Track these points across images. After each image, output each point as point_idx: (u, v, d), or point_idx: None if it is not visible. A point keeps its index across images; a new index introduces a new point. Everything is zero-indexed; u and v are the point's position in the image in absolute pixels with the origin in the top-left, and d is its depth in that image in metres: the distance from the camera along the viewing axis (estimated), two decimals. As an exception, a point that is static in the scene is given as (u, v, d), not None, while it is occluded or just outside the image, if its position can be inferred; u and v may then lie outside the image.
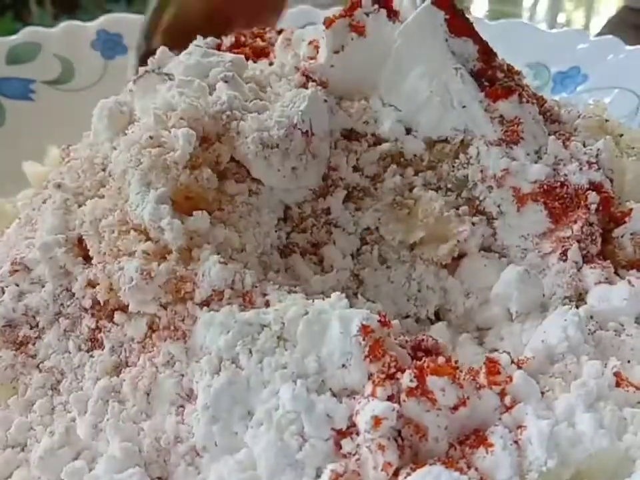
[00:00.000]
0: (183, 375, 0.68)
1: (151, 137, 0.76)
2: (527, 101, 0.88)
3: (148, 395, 0.68)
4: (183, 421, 0.66)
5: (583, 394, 0.65)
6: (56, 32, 1.48)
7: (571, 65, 1.38)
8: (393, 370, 0.63)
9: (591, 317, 0.74)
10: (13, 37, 1.45)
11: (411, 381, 0.61)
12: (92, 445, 0.68)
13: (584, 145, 0.88)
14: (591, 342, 0.71)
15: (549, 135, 0.88)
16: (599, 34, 1.52)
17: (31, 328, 0.75)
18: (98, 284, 0.72)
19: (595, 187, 0.85)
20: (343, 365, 0.64)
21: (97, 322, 0.72)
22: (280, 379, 0.64)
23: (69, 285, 0.74)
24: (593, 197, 0.83)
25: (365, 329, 0.64)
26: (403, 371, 0.63)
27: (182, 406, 0.67)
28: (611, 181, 0.88)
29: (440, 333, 0.78)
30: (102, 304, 0.73)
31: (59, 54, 1.46)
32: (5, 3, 2.23)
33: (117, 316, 0.71)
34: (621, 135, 0.96)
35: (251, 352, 0.65)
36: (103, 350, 0.72)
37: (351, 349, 0.64)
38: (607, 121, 0.97)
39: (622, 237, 0.83)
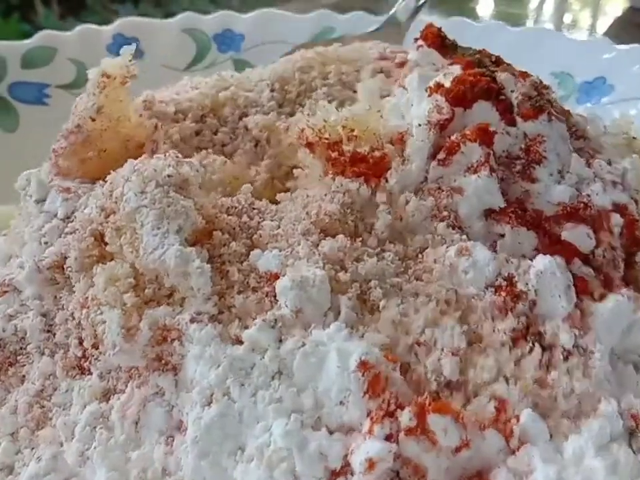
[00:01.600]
0: (172, 406, 0.65)
1: (169, 176, 0.72)
2: (556, 119, 0.83)
3: (136, 423, 0.65)
4: (172, 452, 0.63)
5: (595, 436, 0.61)
6: (72, 36, 1.47)
7: (597, 75, 1.33)
8: (392, 407, 0.59)
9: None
10: (28, 41, 1.44)
11: (410, 419, 0.58)
12: (79, 472, 0.66)
13: (609, 164, 0.84)
14: (608, 377, 0.67)
15: (573, 152, 0.84)
16: (605, 34, 1.47)
17: (21, 349, 0.73)
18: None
19: (619, 208, 0.81)
20: (341, 402, 0.61)
21: (84, 351, 0.70)
22: (274, 414, 0.60)
23: (56, 310, 0.72)
24: (616, 219, 0.78)
25: (364, 365, 0.61)
26: (402, 408, 0.60)
27: (171, 436, 0.64)
28: (637, 202, 0.84)
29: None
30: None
31: (74, 58, 1.45)
32: (11, 3, 2.23)
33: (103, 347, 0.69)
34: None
35: (243, 385, 0.62)
36: (91, 376, 0.69)
37: (349, 385, 0.60)
38: (634, 138, 0.93)
39: (647, 261, 0.78)
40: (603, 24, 2.16)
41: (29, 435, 0.70)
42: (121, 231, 0.70)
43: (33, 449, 0.69)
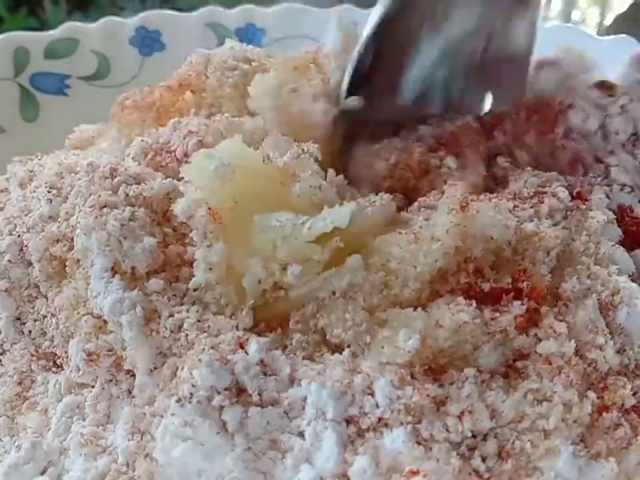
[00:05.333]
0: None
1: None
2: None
3: (108, 416, 0.68)
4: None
5: None
6: (95, 28, 1.48)
7: (618, 74, 1.30)
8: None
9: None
10: (52, 32, 1.45)
11: None
12: (59, 460, 0.67)
13: None
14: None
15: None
16: (608, 31, 1.45)
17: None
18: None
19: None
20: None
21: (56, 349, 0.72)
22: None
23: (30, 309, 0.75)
24: None
25: None
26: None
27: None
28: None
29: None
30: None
31: (96, 50, 1.46)
32: (19, -2, 2.25)
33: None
34: None
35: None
36: (65, 370, 0.71)
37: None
38: None
39: None
40: (610, 20, 2.14)
41: (9, 423, 0.71)
42: (79, 263, 0.71)
43: (13, 436, 0.70)
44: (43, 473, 0.67)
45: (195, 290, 0.69)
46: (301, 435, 0.63)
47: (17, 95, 1.39)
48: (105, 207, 0.72)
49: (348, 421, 0.62)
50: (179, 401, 0.62)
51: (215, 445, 0.61)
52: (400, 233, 0.71)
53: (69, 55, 1.44)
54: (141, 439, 0.65)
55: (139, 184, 0.75)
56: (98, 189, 0.74)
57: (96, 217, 0.70)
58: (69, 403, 0.69)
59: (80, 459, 0.65)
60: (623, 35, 1.35)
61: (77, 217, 0.73)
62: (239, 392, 0.63)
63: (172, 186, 0.75)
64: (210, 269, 0.68)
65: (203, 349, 0.64)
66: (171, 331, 0.67)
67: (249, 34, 1.56)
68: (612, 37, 1.38)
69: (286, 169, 0.73)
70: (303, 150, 0.75)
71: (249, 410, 0.62)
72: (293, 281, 0.67)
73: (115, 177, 0.75)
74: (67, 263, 0.74)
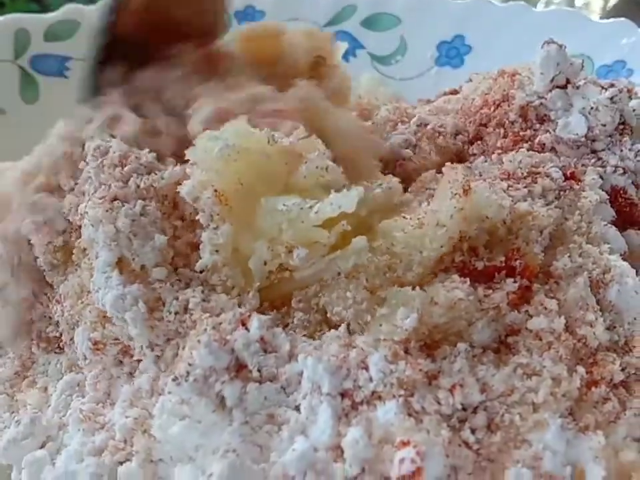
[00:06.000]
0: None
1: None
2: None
3: (108, 394, 0.69)
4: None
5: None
6: (95, 9, 1.48)
7: (616, 58, 1.31)
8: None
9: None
10: (53, 14, 1.46)
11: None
12: (58, 435, 0.69)
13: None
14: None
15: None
16: (609, 14, 1.45)
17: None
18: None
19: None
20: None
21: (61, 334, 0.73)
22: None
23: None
24: None
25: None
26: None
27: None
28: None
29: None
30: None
31: (97, 32, 1.46)
32: (20, -18, 2.23)
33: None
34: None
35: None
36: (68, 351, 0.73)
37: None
38: None
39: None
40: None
41: (9, 401, 0.73)
42: (85, 252, 0.72)
43: (12, 413, 0.72)
44: (41, 447, 0.69)
45: (201, 272, 0.70)
46: (297, 408, 0.64)
47: (17, 77, 1.39)
48: (116, 199, 0.72)
49: (343, 395, 0.64)
50: (175, 379, 0.63)
51: (211, 422, 0.63)
52: (404, 217, 0.72)
53: (70, 37, 1.44)
54: (139, 416, 0.67)
55: (149, 173, 0.75)
56: (108, 177, 0.74)
57: (106, 210, 0.70)
58: (69, 380, 0.71)
59: (78, 434, 0.67)
60: (622, 19, 1.35)
61: (86, 206, 0.73)
62: (238, 368, 0.64)
63: (181, 173, 0.75)
64: (216, 250, 0.69)
65: (205, 329, 0.65)
66: (176, 313, 0.68)
67: (247, 17, 1.56)
68: (611, 20, 1.38)
69: (292, 149, 0.73)
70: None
71: (247, 386, 0.63)
72: (298, 264, 0.68)
73: (126, 166, 0.75)
74: (73, 251, 0.75)
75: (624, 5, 2.13)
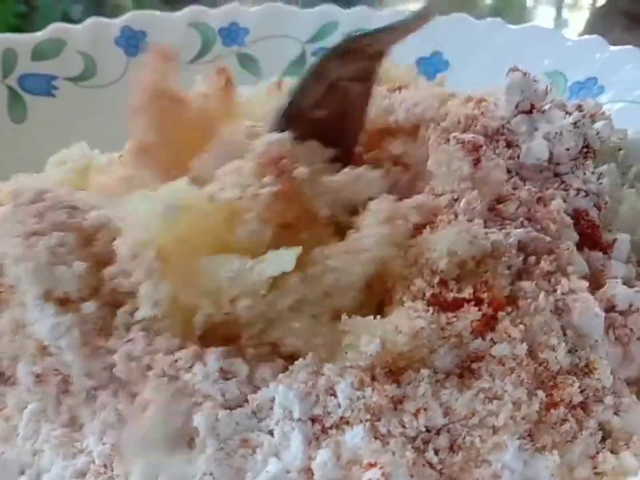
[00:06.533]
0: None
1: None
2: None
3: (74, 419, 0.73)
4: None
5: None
6: (81, 28, 1.51)
7: (589, 75, 1.34)
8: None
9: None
10: (40, 33, 1.48)
11: None
12: (33, 462, 0.72)
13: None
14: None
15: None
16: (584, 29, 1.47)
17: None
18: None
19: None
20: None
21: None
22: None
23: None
24: None
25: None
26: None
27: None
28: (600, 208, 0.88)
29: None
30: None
31: (83, 50, 1.49)
32: (8, -17, 2.21)
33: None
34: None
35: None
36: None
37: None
38: (619, 150, 0.96)
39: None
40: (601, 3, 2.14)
41: None
42: (13, 289, 0.75)
43: None
44: (22, 474, 0.72)
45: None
46: (270, 433, 0.68)
47: (5, 97, 1.42)
48: (34, 234, 0.72)
49: (313, 420, 0.68)
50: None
51: (179, 463, 0.67)
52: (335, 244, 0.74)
53: (56, 56, 1.47)
54: (114, 443, 0.70)
55: (68, 209, 0.75)
56: (23, 216, 0.74)
57: (24, 247, 0.71)
58: (33, 408, 0.73)
59: (58, 459, 0.70)
60: (595, 36, 1.38)
61: (4, 247, 0.73)
62: (203, 399, 0.68)
63: (106, 219, 0.75)
64: (155, 304, 0.70)
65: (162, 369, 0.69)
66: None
67: (231, 34, 1.59)
68: (583, 37, 1.41)
69: (230, 208, 0.72)
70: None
71: (218, 413, 0.67)
72: (243, 312, 0.70)
73: (40, 202, 0.75)
74: (1, 289, 0.78)
75: (604, 12, 2.16)
